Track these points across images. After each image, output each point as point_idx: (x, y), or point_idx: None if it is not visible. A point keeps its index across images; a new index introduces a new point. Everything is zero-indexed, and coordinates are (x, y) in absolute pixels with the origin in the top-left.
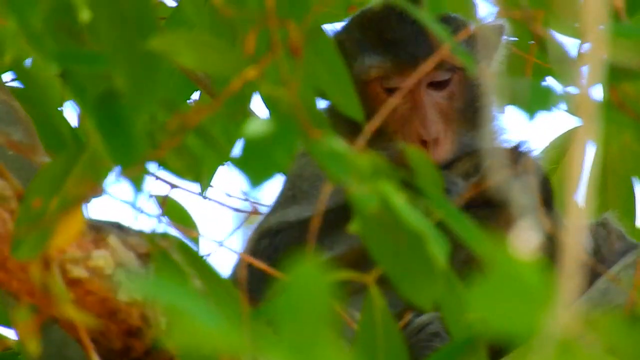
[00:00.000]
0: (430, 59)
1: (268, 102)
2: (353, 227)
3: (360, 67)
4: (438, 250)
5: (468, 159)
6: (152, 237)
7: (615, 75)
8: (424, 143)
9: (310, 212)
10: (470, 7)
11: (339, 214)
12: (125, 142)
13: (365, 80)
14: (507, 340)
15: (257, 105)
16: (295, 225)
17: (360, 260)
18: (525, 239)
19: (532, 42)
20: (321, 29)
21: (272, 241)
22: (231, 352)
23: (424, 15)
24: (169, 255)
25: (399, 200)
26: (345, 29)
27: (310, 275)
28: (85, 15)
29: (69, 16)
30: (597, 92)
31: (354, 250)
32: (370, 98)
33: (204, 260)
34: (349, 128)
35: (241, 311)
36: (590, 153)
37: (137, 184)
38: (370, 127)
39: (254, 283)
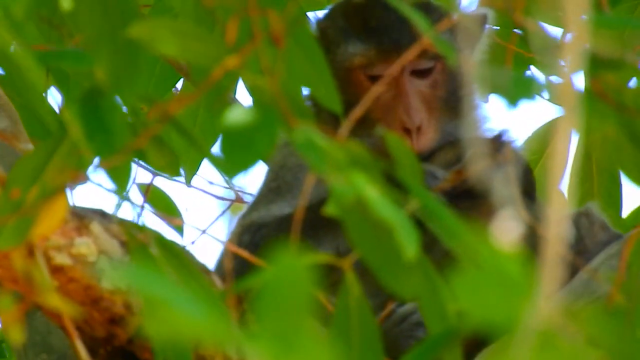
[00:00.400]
0: (413, 47)
1: (252, 91)
2: (328, 210)
3: (344, 55)
4: (407, 242)
5: (449, 149)
6: (129, 229)
7: (597, 65)
8: (407, 131)
9: (294, 207)
10: None
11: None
12: (105, 133)
13: (349, 67)
14: (489, 331)
15: (242, 95)
16: (278, 222)
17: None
18: (506, 229)
19: (514, 31)
20: (303, 18)
21: (254, 237)
22: (215, 341)
23: (405, 5)
24: (146, 248)
25: (372, 191)
26: (328, 16)
27: (292, 264)
28: (66, 3)
29: (50, 5)
30: (579, 82)
31: (339, 251)
32: (353, 85)
33: (181, 253)
34: (333, 115)
35: (219, 303)
36: (572, 143)
37: (119, 174)
38: (352, 116)
39: (236, 276)
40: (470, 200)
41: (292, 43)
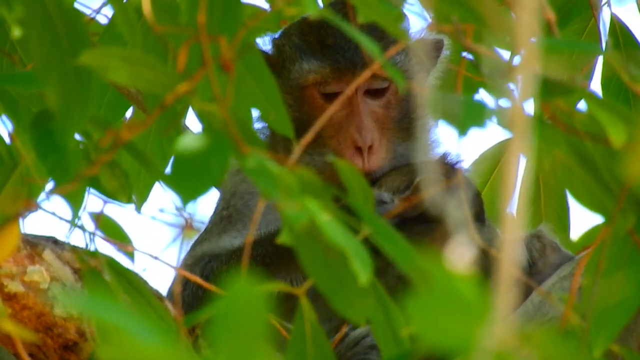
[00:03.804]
0: (367, 67)
1: (201, 117)
2: (282, 239)
3: (299, 72)
4: (360, 267)
5: (400, 173)
6: (82, 256)
7: (547, 89)
8: (358, 150)
9: (244, 236)
10: (402, 21)
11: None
12: (58, 154)
13: (303, 85)
14: (444, 353)
15: (192, 122)
16: (229, 254)
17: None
18: (460, 253)
19: (463, 56)
20: (253, 44)
21: (204, 270)
22: None
23: (355, 29)
24: (99, 273)
25: (325, 217)
26: (284, 33)
27: (246, 292)
28: (16, 32)
29: (1, 34)
30: (529, 106)
31: (292, 280)
32: (307, 103)
33: (134, 277)
34: (286, 137)
35: (172, 327)
36: (522, 166)
37: (74, 200)
38: (304, 141)
39: (187, 302)
40: (423, 224)
41: (242, 68)
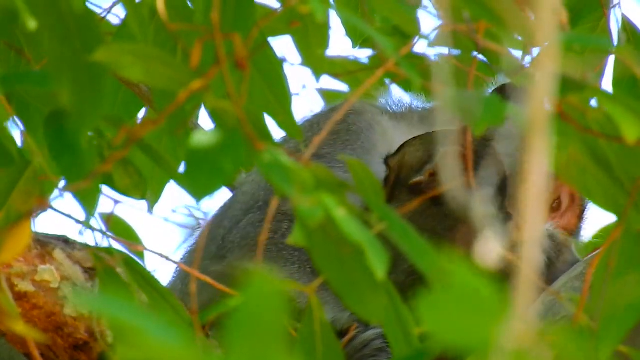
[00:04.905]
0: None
1: (214, 115)
2: (293, 238)
3: None
4: (377, 263)
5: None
6: (97, 253)
7: (561, 87)
8: None
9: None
10: (415, 21)
11: None
12: (71, 153)
13: None
14: (460, 353)
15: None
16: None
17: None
18: (487, 252)
19: (475, 54)
20: (266, 43)
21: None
22: None
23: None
24: (114, 270)
25: (341, 212)
26: None
27: (263, 290)
28: (31, 24)
29: (12, 31)
30: (546, 104)
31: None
32: None
33: (149, 275)
34: None
35: (188, 325)
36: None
37: (87, 199)
38: (316, 140)
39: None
40: (445, 221)
41: (253, 68)
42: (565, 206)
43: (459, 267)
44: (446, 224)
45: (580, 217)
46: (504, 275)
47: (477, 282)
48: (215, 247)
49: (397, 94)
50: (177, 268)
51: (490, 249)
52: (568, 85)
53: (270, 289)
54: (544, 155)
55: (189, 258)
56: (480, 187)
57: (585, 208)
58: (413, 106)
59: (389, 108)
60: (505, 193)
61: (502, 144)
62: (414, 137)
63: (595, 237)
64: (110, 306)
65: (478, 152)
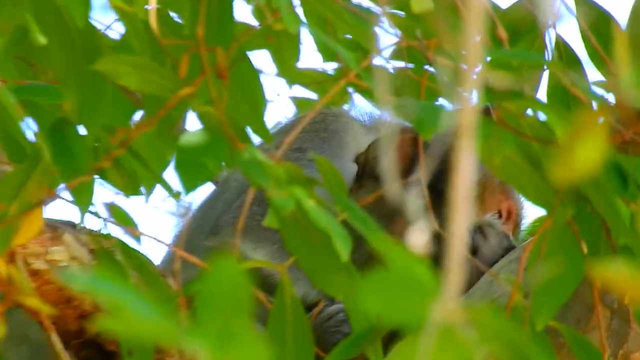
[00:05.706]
0: None
1: (201, 117)
2: (268, 222)
3: None
4: (342, 246)
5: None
6: (97, 237)
7: (496, 96)
8: None
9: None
10: (372, 38)
11: None
12: (69, 158)
13: None
14: (400, 328)
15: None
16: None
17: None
18: (416, 239)
19: (426, 67)
20: (245, 56)
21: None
22: (161, 339)
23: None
24: (111, 253)
25: (310, 203)
26: None
27: (229, 266)
28: (41, 39)
29: (25, 46)
30: (477, 110)
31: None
32: None
33: (141, 256)
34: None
35: (173, 302)
36: (470, 164)
37: (81, 193)
38: (288, 139)
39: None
40: (387, 212)
41: (233, 78)
42: (504, 219)
43: (396, 251)
44: (387, 215)
45: (516, 228)
46: (435, 260)
47: (413, 265)
48: (209, 226)
49: (367, 108)
50: (168, 249)
51: (420, 237)
52: (505, 95)
53: (233, 268)
54: (471, 155)
55: (179, 238)
56: (414, 181)
57: (521, 221)
58: (380, 118)
59: (360, 118)
60: (437, 188)
61: (436, 143)
62: (377, 138)
63: (530, 226)
64: (102, 285)
65: (413, 150)
